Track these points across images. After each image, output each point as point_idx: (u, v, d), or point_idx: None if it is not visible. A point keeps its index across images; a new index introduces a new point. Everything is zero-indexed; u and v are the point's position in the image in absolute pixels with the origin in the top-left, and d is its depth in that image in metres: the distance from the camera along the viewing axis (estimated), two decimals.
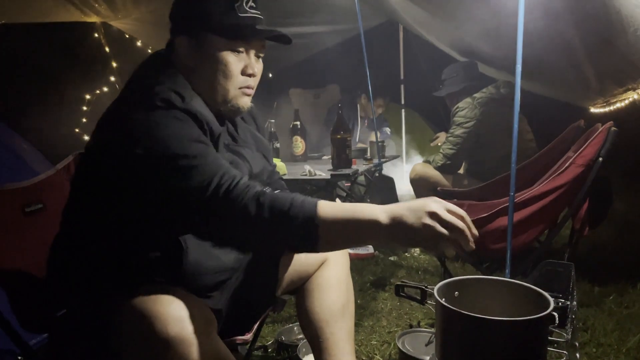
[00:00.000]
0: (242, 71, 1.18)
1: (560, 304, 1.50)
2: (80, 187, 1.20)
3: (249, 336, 1.29)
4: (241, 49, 1.17)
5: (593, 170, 1.86)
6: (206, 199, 1.02)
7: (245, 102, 1.22)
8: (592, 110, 3.54)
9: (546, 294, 1.14)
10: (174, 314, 0.99)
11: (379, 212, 0.98)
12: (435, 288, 1.18)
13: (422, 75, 4.63)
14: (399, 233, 0.97)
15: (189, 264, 1.15)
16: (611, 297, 2.47)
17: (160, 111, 1.07)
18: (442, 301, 1.18)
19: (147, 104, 1.08)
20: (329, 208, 0.99)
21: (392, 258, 3.19)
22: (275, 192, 1.02)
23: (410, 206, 0.97)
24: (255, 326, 1.45)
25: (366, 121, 4.46)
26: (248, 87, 1.21)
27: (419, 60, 4.74)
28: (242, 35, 1.17)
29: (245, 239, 1.07)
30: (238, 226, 1.03)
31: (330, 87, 5.02)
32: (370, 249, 3.28)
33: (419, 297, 1.30)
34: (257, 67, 1.22)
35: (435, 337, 1.19)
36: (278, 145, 3.00)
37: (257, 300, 1.41)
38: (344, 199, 4.33)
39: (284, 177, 2.57)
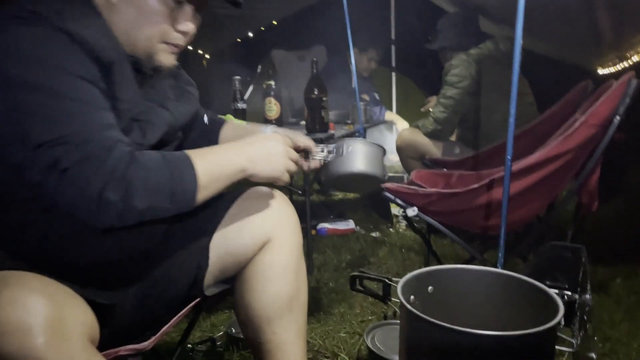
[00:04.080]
0: (174, 25, 1.01)
1: (566, 297, 1.19)
2: None
3: (147, 344, 0.97)
4: None
5: (609, 131, 1.53)
6: (67, 160, 0.81)
7: (170, 59, 1.05)
8: (600, 71, 3.19)
9: (553, 293, 0.82)
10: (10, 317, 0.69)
11: (244, 162, 1.00)
12: (400, 283, 0.86)
13: (415, 36, 4.24)
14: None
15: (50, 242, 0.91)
16: (618, 281, 2.17)
17: (25, 27, 0.82)
18: (408, 303, 0.86)
19: (7, 14, 0.85)
20: (203, 166, 0.94)
21: (374, 234, 2.88)
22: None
23: (266, 153, 1.02)
24: (175, 320, 1.13)
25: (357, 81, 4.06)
26: (175, 45, 1.04)
27: (412, 19, 4.34)
28: None
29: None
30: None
31: (315, 48, 4.62)
32: (350, 224, 2.97)
33: (380, 293, 0.98)
34: (192, 24, 1.05)
35: (399, 347, 0.87)
36: (244, 106, 2.64)
37: (173, 294, 1.10)
38: None
39: None
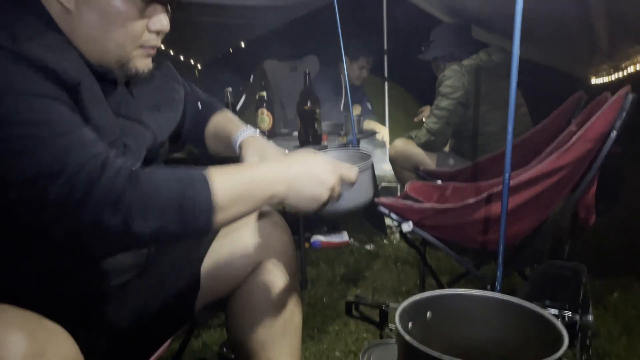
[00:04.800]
0: (148, 27, 0.92)
1: (567, 318, 1.16)
2: None
3: None
4: None
5: (605, 146, 1.51)
6: (56, 190, 0.72)
7: (146, 64, 0.97)
8: (594, 81, 3.19)
9: (556, 321, 0.79)
10: None
11: (278, 184, 0.87)
12: (398, 311, 0.83)
13: (409, 45, 4.23)
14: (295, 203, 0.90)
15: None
16: (616, 295, 2.15)
17: None
18: (406, 330, 0.82)
19: None
20: (224, 186, 0.81)
21: (368, 247, 2.85)
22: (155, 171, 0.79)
23: (309, 174, 0.89)
24: (165, 345, 1.09)
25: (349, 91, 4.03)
26: (152, 47, 0.96)
27: (405, 28, 4.33)
28: None
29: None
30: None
31: (308, 58, 4.61)
32: (344, 237, 2.93)
33: (376, 318, 0.95)
34: (166, 21, 0.96)
35: None
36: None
37: (163, 320, 1.06)
38: None
39: None
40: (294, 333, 1.15)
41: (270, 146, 1.11)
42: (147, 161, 1.01)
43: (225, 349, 1.65)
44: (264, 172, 0.87)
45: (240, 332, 1.10)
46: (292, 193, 0.87)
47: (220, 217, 0.80)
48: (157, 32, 0.94)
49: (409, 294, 2.22)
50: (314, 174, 0.88)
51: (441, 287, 2.03)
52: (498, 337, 0.90)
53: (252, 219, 1.15)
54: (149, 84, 1.07)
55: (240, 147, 1.11)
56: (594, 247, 2.60)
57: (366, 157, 1.09)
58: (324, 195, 0.88)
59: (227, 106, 2.57)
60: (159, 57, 1.09)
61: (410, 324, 0.87)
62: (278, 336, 1.10)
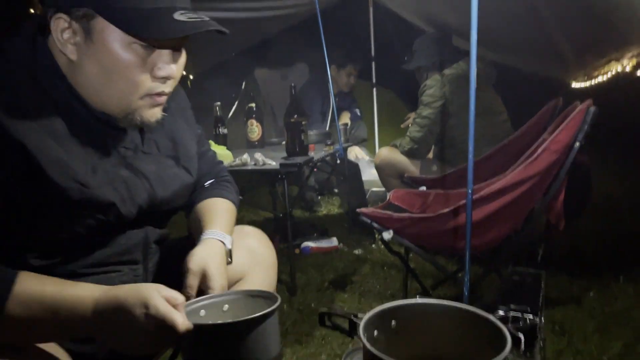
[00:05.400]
0: (151, 73, 0.88)
1: (528, 321, 1.25)
2: None
3: None
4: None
5: (569, 157, 1.60)
6: None
7: (154, 114, 0.92)
8: (574, 85, 3.29)
9: (504, 329, 0.88)
10: None
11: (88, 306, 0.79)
12: (362, 321, 0.91)
13: (395, 51, 4.32)
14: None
15: None
16: (591, 294, 2.24)
17: None
18: (372, 339, 0.91)
19: None
20: (24, 296, 0.77)
21: (356, 252, 2.93)
22: None
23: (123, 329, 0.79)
24: None
25: (337, 99, 4.13)
26: (159, 95, 0.91)
27: (391, 35, 4.42)
28: (150, 30, 0.82)
29: None
30: None
31: (297, 66, 4.70)
32: (333, 242, 3.02)
33: (347, 328, 1.04)
34: (175, 65, 0.91)
35: None
36: (225, 131, 2.70)
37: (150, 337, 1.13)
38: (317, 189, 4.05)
39: (230, 168, 2.29)
40: None
41: (216, 262, 1.00)
42: (147, 216, 1.01)
43: None
44: (80, 298, 0.79)
45: None
46: (100, 335, 0.81)
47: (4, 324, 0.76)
48: (164, 79, 0.90)
49: (394, 297, 2.31)
50: (125, 323, 0.78)
51: (425, 290, 2.12)
52: (455, 344, 0.98)
53: (238, 236, 1.20)
54: (163, 134, 1.06)
55: (197, 244, 1.05)
56: (571, 250, 2.70)
57: (268, 303, 0.89)
58: (137, 346, 0.80)
59: (215, 121, 2.66)
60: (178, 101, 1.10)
61: (376, 332, 0.96)
62: None
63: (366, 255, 2.88)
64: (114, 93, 0.87)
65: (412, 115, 3.44)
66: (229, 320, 0.84)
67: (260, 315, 0.84)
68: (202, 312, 0.92)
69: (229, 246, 1.07)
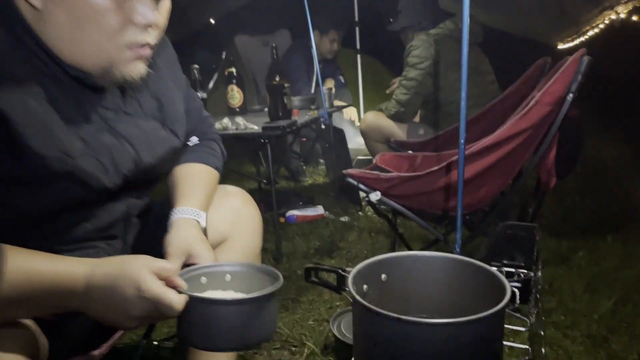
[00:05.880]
0: (130, 20, 0.76)
1: (522, 275, 1.20)
2: None
3: (96, 353, 0.95)
4: None
5: (562, 109, 1.54)
6: None
7: (137, 70, 0.81)
8: (560, 47, 3.24)
9: (501, 277, 0.83)
10: None
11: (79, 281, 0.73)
12: (351, 274, 0.85)
13: (380, 16, 4.21)
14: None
15: None
16: (580, 254, 2.22)
17: None
18: (362, 293, 0.86)
19: None
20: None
21: (343, 219, 2.88)
22: None
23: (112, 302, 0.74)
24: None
25: (320, 67, 4.03)
26: (143, 47, 0.79)
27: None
28: None
29: None
30: None
31: (279, 33, 4.56)
32: (319, 210, 2.96)
33: (335, 284, 0.98)
34: (158, 12, 0.80)
35: (353, 339, 0.87)
36: (204, 95, 2.59)
37: None
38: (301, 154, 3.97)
39: None
40: None
41: (200, 245, 0.92)
42: (130, 186, 0.92)
43: None
44: (67, 272, 0.73)
45: None
46: (90, 312, 0.76)
47: None
48: (146, 27, 0.78)
49: None
50: (117, 302, 0.74)
51: None
52: (452, 296, 0.93)
53: (223, 196, 1.12)
54: (147, 93, 0.94)
55: (170, 226, 0.96)
56: (560, 210, 2.68)
57: (270, 280, 0.85)
58: (128, 323, 0.76)
59: (194, 84, 2.55)
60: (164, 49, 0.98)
61: (365, 287, 0.90)
62: None
63: (353, 223, 2.83)
64: (87, 45, 0.76)
65: (398, 80, 3.37)
66: (240, 295, 0.81)
67: (270, 293, 0.80)
68: (203, 280, 0.87)
69: (203, 224, 0.98)
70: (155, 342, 1.62)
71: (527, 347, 0.92)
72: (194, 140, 1.14)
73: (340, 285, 0.94)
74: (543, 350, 0.97)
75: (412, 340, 0.74)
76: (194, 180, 1.06)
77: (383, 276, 0.93)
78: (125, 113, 0.89)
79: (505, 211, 1.81)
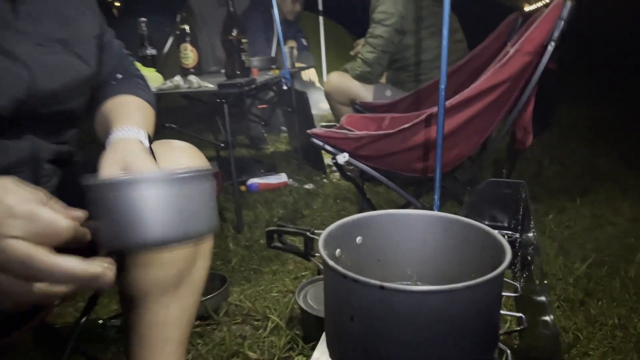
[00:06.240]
0: None
1: (506, 237, 1.10)
2: None
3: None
4: None
5: (543, 59, 1.43)
6: None
7: None
8: (527, 9, 3.14)
9: (498, 236, 0.71)
10: None
11: None
12: (322, 236, 0.72)
13: None
14: None
15: None
16: (550, 217, 2.17)
17: None
18: (334, 258, 0.72)
19: None
20: None
21: (307, 186, 2.74)
22: None
23: None
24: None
25: (282, 28, 3.81)
26: None
27: None
28: None
29: None
30: None
31: None
32: (282, 178, 2.81)
33: (302, 249, 0.84)
34: None
35: (324, 310, 0.74)
36: (153, 52, 2.36)
37: None
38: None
39: (160, 92, 2.00)
40: (190, 287, 1.00)
41: (138, 156, 0.75)
42: (31, 120, 0.77)
43: None
44: None
45: (128, 281, 0.95)
46: None
47: None
48: None
49: None
50: None
51: None
52: (437, 260, 0.81)
53: (167, 150, 0.96)
54: (46, 8, 0.78)
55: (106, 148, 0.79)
56: (528, 172, 2.62)
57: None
58: None
59: (141, 39, 2.32)
60: None
61: (338, 251, 0.77)
62: (169, 287, 0.96)
63: (317, 190, 2.70)
64: None
65: (361, 41, 3.20)
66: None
67: (199, 174, 0.60)
68: None
69: (146, 144, 0.80)
70: (101, 321, 1.45)
71: (520, 314, 0.81)
72: (118, 77, 0.97)
73: (308, 250, 0.81)
74: (549, 318, 0.86)
75: (396, 311, 0.62)
76: (130, 106, 0.90)
77: (358, 239, 0.79)
78: (16, 30, 0.73)
79: (476, 173, 1.71)
